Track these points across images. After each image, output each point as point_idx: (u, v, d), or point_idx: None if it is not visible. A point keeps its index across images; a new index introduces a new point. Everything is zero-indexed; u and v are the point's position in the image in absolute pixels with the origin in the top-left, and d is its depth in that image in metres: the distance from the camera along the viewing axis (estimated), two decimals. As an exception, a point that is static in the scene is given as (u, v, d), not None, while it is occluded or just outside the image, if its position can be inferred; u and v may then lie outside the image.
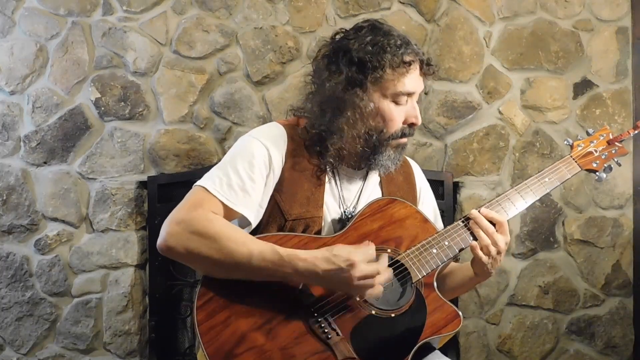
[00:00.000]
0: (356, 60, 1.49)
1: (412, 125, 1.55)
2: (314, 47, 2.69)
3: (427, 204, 1.75)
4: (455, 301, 2.64)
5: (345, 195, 1.59)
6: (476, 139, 2.75)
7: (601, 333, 2.77)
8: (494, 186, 2.74)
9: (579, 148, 1.67)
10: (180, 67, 2.68)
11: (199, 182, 1.47)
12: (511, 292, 2.75)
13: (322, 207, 1.54)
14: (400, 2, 2.74)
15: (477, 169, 2.74)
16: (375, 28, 1.54)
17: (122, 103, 2.66)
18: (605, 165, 1.67)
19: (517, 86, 2.77)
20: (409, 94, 1.52)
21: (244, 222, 1.50)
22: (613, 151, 1.67)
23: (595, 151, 1.66)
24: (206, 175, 1.49)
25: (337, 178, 1.59)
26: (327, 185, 1.57)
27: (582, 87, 2.80)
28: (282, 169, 1.52)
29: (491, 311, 2.74)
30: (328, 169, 1.57)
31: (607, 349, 2.78)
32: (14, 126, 2.67)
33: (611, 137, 1.68)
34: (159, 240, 1.39)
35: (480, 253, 1.50)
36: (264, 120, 2.68)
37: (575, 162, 1.64)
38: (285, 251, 1.37)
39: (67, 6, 2.67)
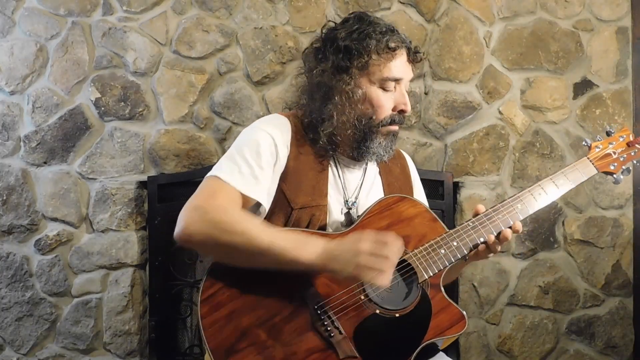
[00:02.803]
0: (342, 47, 1.53)
1: (401, 112, 1.56)
2: (314, 47, 2.69)
3: (419, 196, 1.76)
4: (455, 301, 2.65)
5: (347, 185, 1.61)
6: (476, 139, 2.74)
7: (601, 333, 2.77)
8: (494, 186, 2.74)
9: (597, 150, 1.63)
10: (180, 67, 2.68)
11: (210, 173, 1.48)
12: (511, 292, 2.75)
13: (326, 196, 1.55)
14: (400, 2, 2.74)
15: (477, 169, 2.74)
16: (361, 19, 1.58)
17: (122, 103, 2.66)
18: (623, 167, 1.64)
19: (517, 86, 2.77)
20: (396, 80, 1.54)
21: (256, 209, 1.51)
22: (632, 153, 1.64)
23: (614, 153, 1.63)
24: (215, 167, 1.50)
25: (338, 168, 1.61)
26: (330, 175, 1.58)
27: (582, 87, 2.80)
28: (287, 158, 1.54)
29: (491, 311, 2.74)
30: (330, 159, 1.59)
31: (607, 349, 2.78)
32: (14, 126, 2.67)
33: (631, 138, 1.65)
34: (178, 230, 1.39)
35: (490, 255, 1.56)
36: (264, 120, 2.68)
37: (592, 164, 1.62)
38: (304, 232, 1.44)
39: (67, 6, 2.67)
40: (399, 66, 1.54)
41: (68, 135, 2.65)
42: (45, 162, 2.66)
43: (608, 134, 1.67)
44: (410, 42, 1.58)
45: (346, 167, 1.62)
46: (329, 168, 1.59)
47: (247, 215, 1.42)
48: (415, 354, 1.41)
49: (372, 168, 1.68)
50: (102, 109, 2.66)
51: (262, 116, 2.65)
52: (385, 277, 1.32)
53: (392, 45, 1.52)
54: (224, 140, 2.68)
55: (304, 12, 2.71)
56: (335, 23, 1.62)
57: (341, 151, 1.60)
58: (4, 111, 2.67)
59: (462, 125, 2.75)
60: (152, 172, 2.66)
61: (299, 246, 1.36)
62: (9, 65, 2.66)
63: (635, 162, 1.66)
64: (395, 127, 1.57)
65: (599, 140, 1.66)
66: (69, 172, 2.66)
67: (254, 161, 1.48)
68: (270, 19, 2.70)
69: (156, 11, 2.69)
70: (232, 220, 1.37)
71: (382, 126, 1.54)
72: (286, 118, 1.60)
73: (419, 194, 1.77)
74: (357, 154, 1.58)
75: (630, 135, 1.66)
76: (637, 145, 1.65)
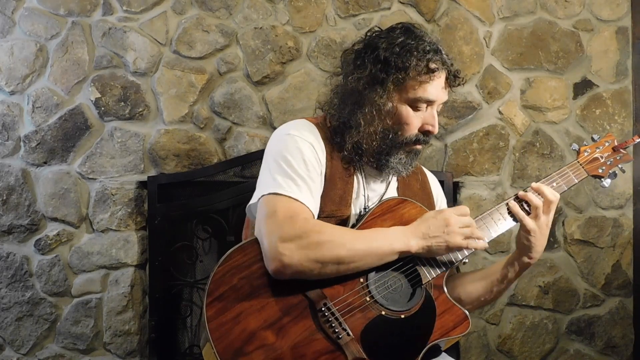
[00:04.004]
0: (382, 58, 1.50)
1: (427, 133, 1.54)
2: (314, 47, 2.70)
3: None
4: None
5: (369, 195, 1.61)
6: (476, 139, 2.75)
7: (601, 333, 2.77)
8: (494, 186, 2.74)
9: (586, 154, 1.67)
10: (180, 67, 2.68)
11: (267, 191, 1.45)
12: (511, 292, 2.75)
13: (350, 205, 1.55)
14: (400, 2, 2.74)
15: (477, 169, 2.74)
16: (408, 31, 1.54)
17: (122, 103, 2.66)
18: (610, 171, 1.68)
19: (517, 86, 2.77)
20: (429, 102, 1.52)
21: None
22: (618, 157, 1.68)
23: (601, 157, 1.67)
24: (268, 183, 1.47)
25: (363, 177, 1.60)
26: (354, 184, 1.58)
27: (582, 87, 2.80)
28: (325, 165, 1.53)
29: (491, 311, 2.74)
30: (355, 167, 1.58)
31: (607, 349, 2.78)
32: (14, 126, 2.67)
33: (616, 143, 1.69)
34: (276, 266, 1.36)
35: (518, 209, 1.53)
36: (264, 120, 2.68)
37: (583, 167, 1.65)
38: (389, 229, 1.46)
39: (67, 6, 2.67)
40: (435, 88, 1.51)
41: (68, 135, 2.65)
42: (45, 162, 2.66)
43: (593, 139, 1.71)
44: (451, 64, 1.54)
45: (371, 177, 1.62)
46: (355, 177, 1.58)
47: (333, 226, 1.44)
48: (422, 354, 1.42)
49: (393, 181, 1.67)
50: (102, 109, 2.66)
51: (262, 116, 2.68)
52: (481, 242, 1.48)
53: (433, 66, 1.49)
54: (224, 140, 2.68)
55: (304, 12, 2.71)
56: (381, 29, 1.59)
57: (366, 160, 1.59)
58: (4, 111, 2.67)
59: (462, 125, 2.75)
60: (152, 172, 2.66)
61: (390, 238, 1.42)
62: (9, 65, 2.66)
63: (620, 166, 1.69)
64: (418, 147, 1.56)
65: (586, 145, 1.69)
66: (69, 172, 2.66)
67: (304, 172, 1.47)
68: (270, 19, 2.70)
69: (156, 11, 2.69)
70: (330, 236, 1.39)
71: (405, 144, 1.53)
72: (313, 125, 1.58)
73: None
74: (377, 165, 1.58)
75: (615, 141, 1.70)
76: (622, 150, 1.69)
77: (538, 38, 2.77)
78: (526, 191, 1.55)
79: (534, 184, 1.56)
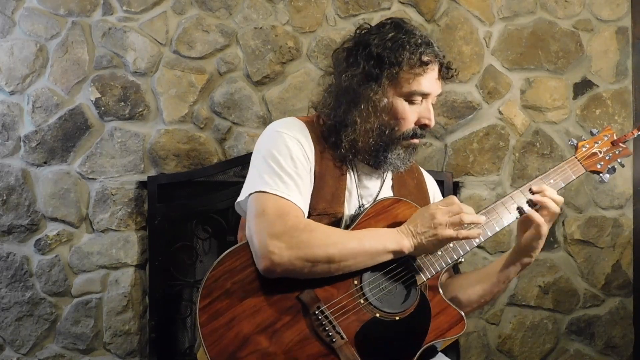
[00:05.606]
0: (375, 54, 1.50)
1: (424, 126, 1.54)
2: (314, 47, 2.70)
3: None
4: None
5: (362, 193, 1.60)
6: (476, 139, 2.75)
7: (601, 333, 2.77)
8: (494, 186, 2.74)
9: (584, 149, 1.65)
10: (180, 67, 2.68)
11: (255, 189, 1.44)
12: (511, 292, 2.75)
13: (343, 203, 1.54)
14: (400, 2, 2.74)
15: (477, 169, 2.74)
16: (398, 26, 1.54)
17: (122, 103, 2.66)
18: (609, 166, 1.65)
19: (517, 86, 2.77)
20: (424, 95, 1.52)
21: None
22: (617, 152, 1.66)
23: (600, 152, 1.65)
24: (255, 181, 1.46)
25: (356, 175, 1.60)
26: (347, 181, 1.57)
27: (582, 87, 2.80)
28: (314, 162, 1.52)
29: (491, 311, 2.74)
30: (348, 165, 1.57)
31: (607, 349, 2.78)
32: (14, 126, 2.67)
33: (615, 137, 1.66)
34: (266, 264, 1.35)
35: (537, 215, 1.51)
36: (264, 120, 2.68)
37: (580, 163, 1.63)
38: (381, 229, 1.46)
39: (67, 6, 2.67)
40: (429, 81, 1.51)
41: (68, 135, 2.65)
42: (45, 162, 2.66)
43: (592, 134, 1.69)
44: (443, 57, 1.54)
45: (364, 174, 1.61)
46: (347, 174, 1.57)
47: (324, 225, 1.44)
48: (416, 356, 1.41)
49: (388, 178, 1.66)
50: (102, 109, 2.66)
51: (262, 116, 2.68)
52: (473, 230, 1.45)
53: (425, 59, 1.49)
54: (224, 140, 2.68)
55: (304, 12, 2.71)
56: (371, 26, 1.59)
57: (360, 158, 1.58)
58: (4, 111, 2.67)
59: (462, 125, 2.75)
60: (152, 172, 2.66)
61: (383, 238, 1.42)
62: (9, 65, 2.66)
63: (619, 161, 1.67)
64: (416, 141, 1.56)
65: (584, 140, 1.67)
66: (69, 172, 2.66)
67: (292, 169, 1.46)
68: (270, 19, 2.70)
69: (156, 11, 2.69)
70: (321, 235, 1.38)
71: (403, 139, 1.53)
72: (303, 123, 1.58)
73: None
74: (374, 162, 1.57)
75: (614, 135, 1.67)
76: (621, 145, 1.67)
77: (538, 38, 2.77)
78: (532, 191, 1.55)
79: (534, 187, 1.55)
